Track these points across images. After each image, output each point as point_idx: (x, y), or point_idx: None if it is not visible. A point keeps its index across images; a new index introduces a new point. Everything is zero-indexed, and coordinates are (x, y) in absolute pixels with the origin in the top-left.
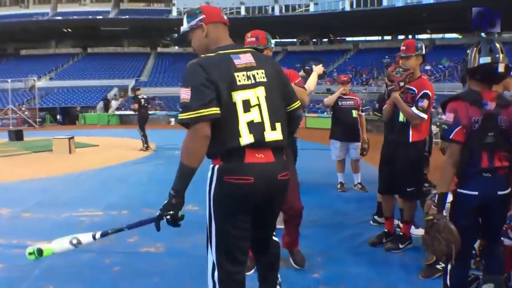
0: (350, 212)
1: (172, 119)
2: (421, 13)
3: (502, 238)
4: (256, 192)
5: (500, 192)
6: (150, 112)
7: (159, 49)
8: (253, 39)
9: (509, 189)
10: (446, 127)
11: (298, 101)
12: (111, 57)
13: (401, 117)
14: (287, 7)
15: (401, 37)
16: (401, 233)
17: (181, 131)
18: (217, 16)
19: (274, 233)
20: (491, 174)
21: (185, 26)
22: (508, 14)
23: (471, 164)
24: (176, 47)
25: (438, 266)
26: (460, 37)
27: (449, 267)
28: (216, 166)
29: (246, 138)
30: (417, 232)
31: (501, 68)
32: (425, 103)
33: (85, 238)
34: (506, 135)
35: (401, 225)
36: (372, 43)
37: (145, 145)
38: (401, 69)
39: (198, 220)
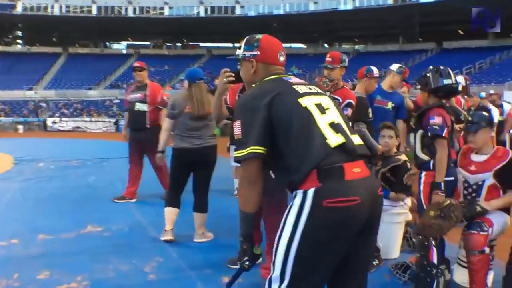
0: None
1: (20, 126)
2: (271, 23)
3: (483, 248)
4: (363, 215)
5: (459, 177)
6: None
7: (1, 48)
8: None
9: None
10: (437, 128)
11: None
12: None
13: None
14: (141, 8)
15: None
16: None
17: (36, 140)
18: (272, 57)
19: None
20: (454, 164)
21: (239, 52)
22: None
23: (448, 157)
24: (19, 46)
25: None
26: (305, 46)
27: (434, 247)
28: (311, 190)
29: (333, 138)
30: None
31: (460, 87)
32: (349, 111)
33: None
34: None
35: None
36: (225, 50)
37: None
38: (327, 80)
39: (108, 243)
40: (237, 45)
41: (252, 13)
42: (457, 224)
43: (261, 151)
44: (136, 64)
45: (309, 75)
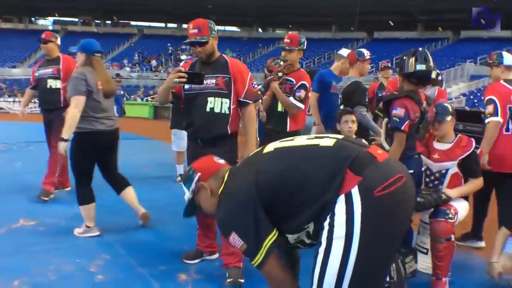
0: None
1: None
2: (206, 5)
3: (450, 235)
4: (412, 189)
5: (422, 169)
6: None
7: None
8: (195, 30)
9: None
10: (397, 120)
11: None
12: None
13: (280, 107)
14: None
15: (185, 25)
16: None
17: None
18: (212, 168)
19: None
20: (419, 156)
21: (187, 194)
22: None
23: (410, 149)
24: None
25: None
26: (239, 30)
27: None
28: (354, 189)
29: (325, 141)
30: None
31: (433, 75)
32: (302, 93)
33: None
34: (427, 127)
35: None
36: (157, 30)
37: None
38: (280, 61)
39: (45, 239)
40: (170, 25)
41: None
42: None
43: (275, 237)
44: (42, 35)
45: (243, 58)
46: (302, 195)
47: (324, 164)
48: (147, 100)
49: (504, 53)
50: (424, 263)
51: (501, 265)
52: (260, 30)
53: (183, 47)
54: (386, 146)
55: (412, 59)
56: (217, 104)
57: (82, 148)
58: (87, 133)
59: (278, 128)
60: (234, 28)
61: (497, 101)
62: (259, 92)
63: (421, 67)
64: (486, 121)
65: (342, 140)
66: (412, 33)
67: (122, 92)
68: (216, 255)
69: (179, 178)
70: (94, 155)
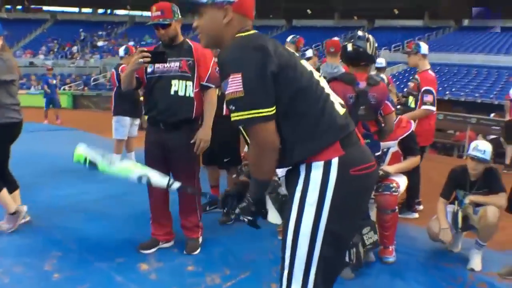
0: None
1: None
2: None
3: (387, 192)
4: (376, 180)
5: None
6: None
7: None
8: (158, 13)
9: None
10: None
11: None
12: None
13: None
14: None
15: (100, 11)
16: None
17: None
18: (250, 9)
19: None
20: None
21: None
22: None
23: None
24: None
25: None
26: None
27: None
28: (335, 160)
29: (339, 107)
30: None
31: (349, 47)
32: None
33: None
34: (374, 108)
35: None
36: (71, 15)
37: None
38: None
39: None
40: (84, 10)
41: None
42: None
43: (273, 113)
44: None
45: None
46: (301, 121)
47: (338, 120)
48: (64, 89)
49: (421, 43)
50: None
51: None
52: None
53: (100, 33)
54: None
55: (346, 43)
56: (181, 87)
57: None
58: (7, 124)
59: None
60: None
61: (434, 92)
62: None
63: (349, 47)
64: (424, 107)
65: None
66: (329, 21)
67: (54, 82)
68: (171, 243)
69: None
70: (8, 146)
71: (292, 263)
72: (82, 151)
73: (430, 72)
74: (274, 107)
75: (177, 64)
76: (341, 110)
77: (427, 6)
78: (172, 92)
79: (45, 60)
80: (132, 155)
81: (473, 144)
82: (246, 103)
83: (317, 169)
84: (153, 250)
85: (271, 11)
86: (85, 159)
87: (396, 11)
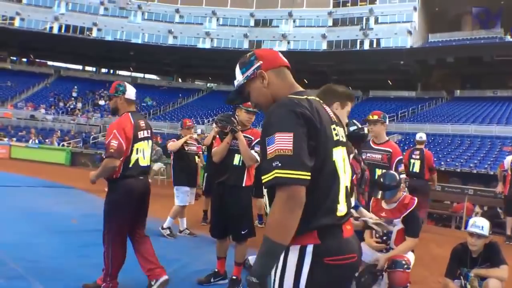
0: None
1: None
2: (128, 51)
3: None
4: (357, 270)
5: None
6: None
7: None
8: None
9: None
10: None
11: None
12: None
13: (236, 161)
14: None
15: (104, 70)
16: (234, 277)
17: None
18: (275, 60)
19: None
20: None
21: (239, 79)
22: None
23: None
24: None
25: None
26: (158, 78)
27: None
28: (310, 246)
29: (342, 207)
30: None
31: (366, 131)
32: (259, 148)
33: None
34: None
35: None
36: (75, 72)
37: None
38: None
39: None
40: (88, 68)
41: (109, 37)
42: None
43: (308, 178)
44: None
45: (163, 107)
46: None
47: (323, 214)
48: (63, 145)
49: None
50: None
51: None
52: (180, 80)
53: (101, 91)
54: None
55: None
56: None
57: None
58: None
59: (232, 182)
60: (154, 76)
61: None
62: (199, 145)
63: (353, 127)
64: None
65: (348, 211)
66: None
67: None
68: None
69: (188, 232)
70: None
71: None
72: None
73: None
74: (309, 173)
75: None
76: (340, 212)
77: (419, 78)
78: None
79: (46, 114)
80: (184, 221)
81: (471, 221)
82: (293, 162)
83: (293, 252)
84: None
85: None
86: None
87: (390, 82)
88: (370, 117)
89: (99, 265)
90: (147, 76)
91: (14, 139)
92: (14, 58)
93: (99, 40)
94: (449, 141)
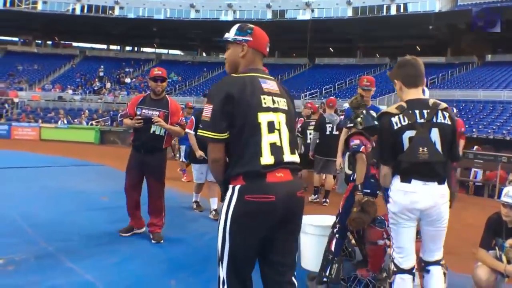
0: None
1: None
2: (151, 27)
3: (377, 240)
4: (277, 210)
5: (377, 191)
6: None
7: None
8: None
9: None
10: (356, 146)
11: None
12: None
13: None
14: (12, 1)
15: (128, 48)
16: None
17: None
18: (261, 46)
19: (295, 274)
20: (374, 180)
21: (231, 35)
22: None
23: (366, 171)
24: None
25: None
26: (182, 53)
27: (335, 238)
28: (237, 186)
29: (267, 158)
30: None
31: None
32: None
33: None
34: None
35: None
36: (100, 51)
37: None
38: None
39: None
40: (112, 47)
41: (131, 15)
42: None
43: (222, 137)
44: None
45: (188, 82)
46: (235, 149)
47: (247, 161)
48: (91, 124)
49: None
50: None
51: None
52: (204, 54)
53: (127, 69)
54: (349, 172)
55: (361, 119)
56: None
57: None
58: None
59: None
60: (178, 52)
61: None
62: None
63: (371, 123)
64: None
65: (276, 163)
66: (351, 59)
67: None
68: (143, 229)
69: (195, 206)
70: None
71: (219, 254)
72: None
73: None
74: (223, 134)
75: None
76: (264, 162)
77: (449, 43)
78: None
79: (73, 95)
80: (198, 195)
81: (505, 190)
82: (209, 125)
83: (229, 190)
84: (129, 234)
85: (294, 50)
86: None
87: (418, 48)
88: None
89: (129, 241)
90: (171, 51)
91: (43, 120)
92: (39, 42)
93: (122, 18)
94: (481, 108)
